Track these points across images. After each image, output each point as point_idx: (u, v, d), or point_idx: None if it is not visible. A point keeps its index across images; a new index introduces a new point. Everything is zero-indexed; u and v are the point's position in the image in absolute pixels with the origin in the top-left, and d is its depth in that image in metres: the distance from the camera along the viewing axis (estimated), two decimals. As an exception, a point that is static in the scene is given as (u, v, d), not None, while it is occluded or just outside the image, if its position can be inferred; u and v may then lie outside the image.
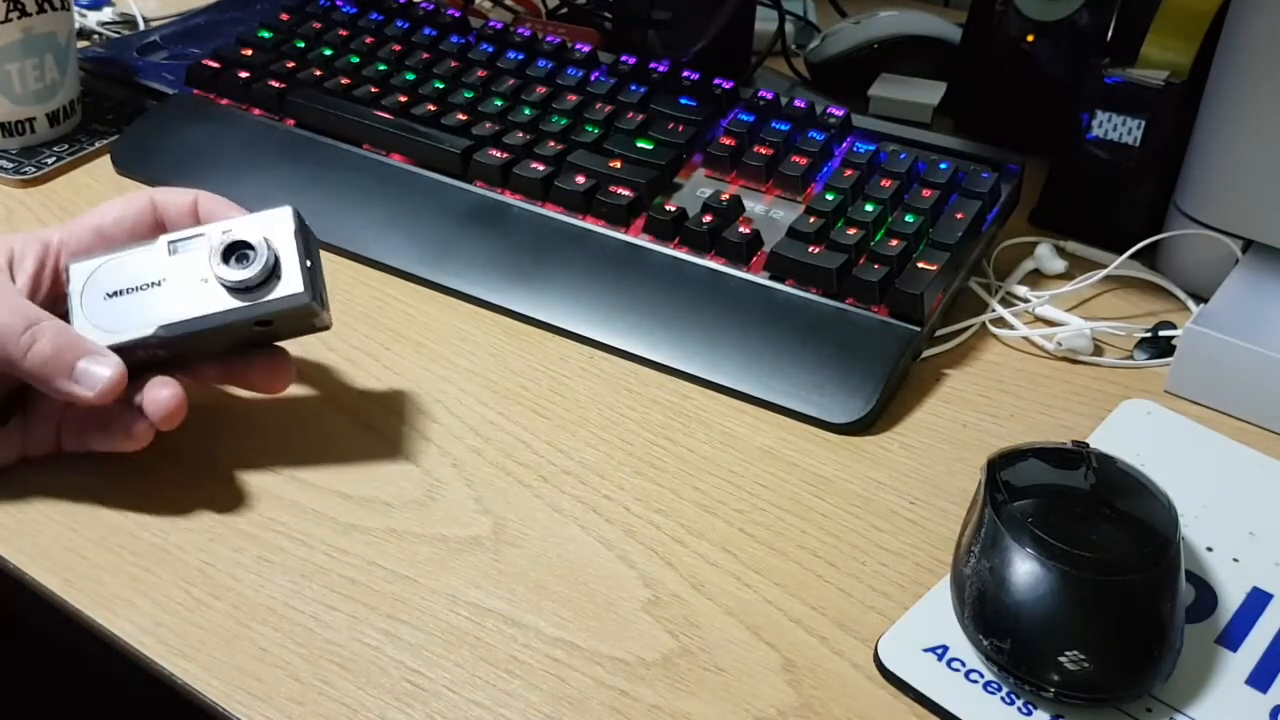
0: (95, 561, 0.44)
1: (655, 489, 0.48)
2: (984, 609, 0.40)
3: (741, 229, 0.58)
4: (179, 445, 0.50)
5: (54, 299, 0.47)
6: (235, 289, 0.45)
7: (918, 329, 0.54)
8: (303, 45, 0.72)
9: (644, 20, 0.78)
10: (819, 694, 0.40)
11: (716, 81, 0.66)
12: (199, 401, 0.51)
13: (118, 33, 0.84)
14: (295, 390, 0.53)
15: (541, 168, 0.62)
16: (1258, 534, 0.46)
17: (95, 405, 0.44)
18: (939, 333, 0.57)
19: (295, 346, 0.55)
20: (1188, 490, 0.46)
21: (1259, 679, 0.41)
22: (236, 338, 0.46)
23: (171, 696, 0.40)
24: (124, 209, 0.48)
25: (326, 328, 0.49)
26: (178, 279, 0.45)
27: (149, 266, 0.46)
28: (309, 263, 0.46)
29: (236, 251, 0.45)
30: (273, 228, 0.46)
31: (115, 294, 0.45)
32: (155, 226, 0.48)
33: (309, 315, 0.46)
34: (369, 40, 0.72)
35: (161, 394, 0.45)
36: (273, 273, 0.45)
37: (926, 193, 0.59)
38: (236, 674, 0.40)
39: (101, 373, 0.44)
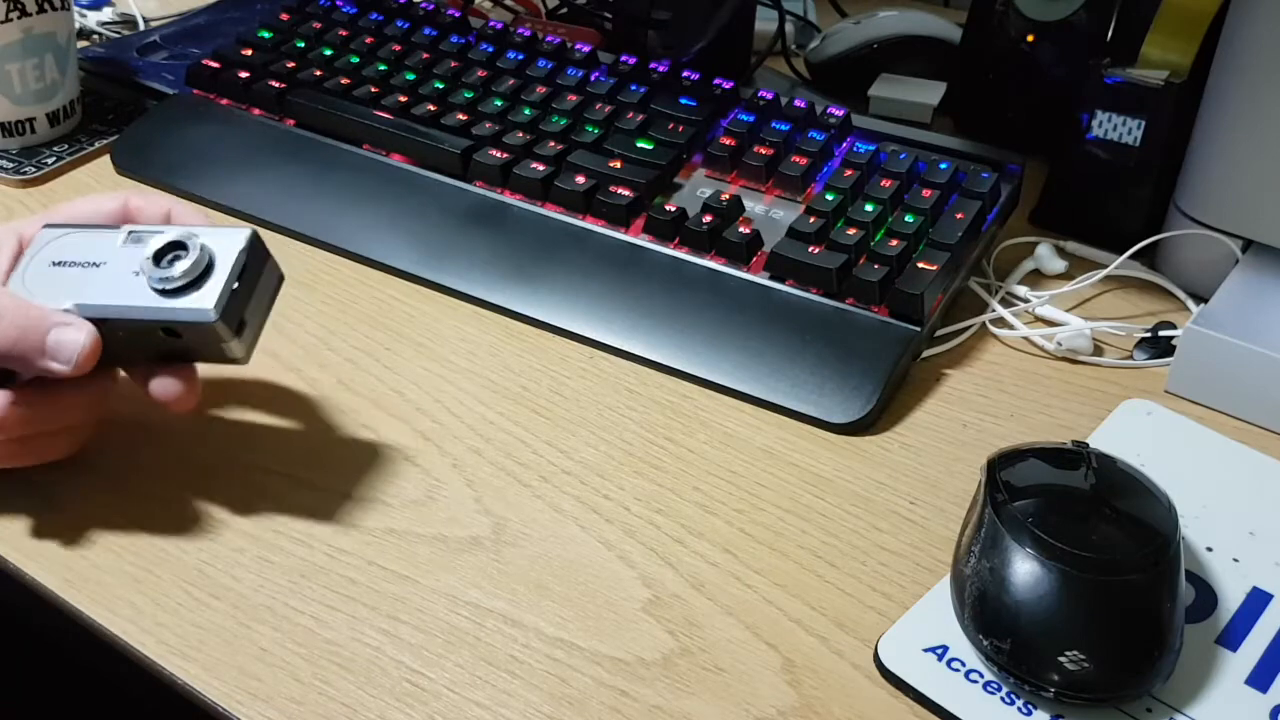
0: (95, 562, 0.44)
1: (655, 489, 0.48)
2: (984, 609, 0.40)
3: (741, 229, 0.58)
4: (178, 445, 0.50)
5: None
6: (155, 289, 0.43)
7: (918, 329, 0.54)
8: (303, 45, 0.72)
9: (644, 20, 0.78)
10: (819, 694, 0.40)
11: (716, 81, 0.66)
12: (199, 402, 0.52)
13: (118, 33, 0.84)
14: (296, 391, 0.53)
15: (541, 168, 0.62)
16: (1258, 534, 0.46)
17: (75, 377, 0.43)
18: (939, 333, 0.57)
19: (296, 347, 0.55)
20: (1188, 490, 0.46)
21: (1259, 679, 0.41)
22: (148, 341, 0.44)
23: (171, 696, 0.40)
24: (97, 207, 0.48)
25: (238, 361, 0.45)
26: (116, 266, 0.44)
27: (100, 248, 0.45)
28: (237, 286, 0.43)
29: (171, 252, 0.44)
30: (222, 242, 0.44)
31: (59, 264, 0.45)
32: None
33: (215, 338, 0.44)
34: (369, 40, 0.72)
35: None
36: (194, 283, 0.43)
37: (926, 193, 0.59)
38: (236, 674, 0.40)
39: (75, 339, 0.43)
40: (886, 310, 0.55)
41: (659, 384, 0.54)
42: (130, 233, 0.45)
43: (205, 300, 0.43)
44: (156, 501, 0.47)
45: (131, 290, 0.44)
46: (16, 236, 0.47)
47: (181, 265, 0.43)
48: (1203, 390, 0.54)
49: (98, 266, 0.44)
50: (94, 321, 0.43)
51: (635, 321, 0.56)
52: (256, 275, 0.45)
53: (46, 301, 0.44)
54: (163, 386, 0.45)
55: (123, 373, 0.46)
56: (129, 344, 0.45)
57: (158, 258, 0.44)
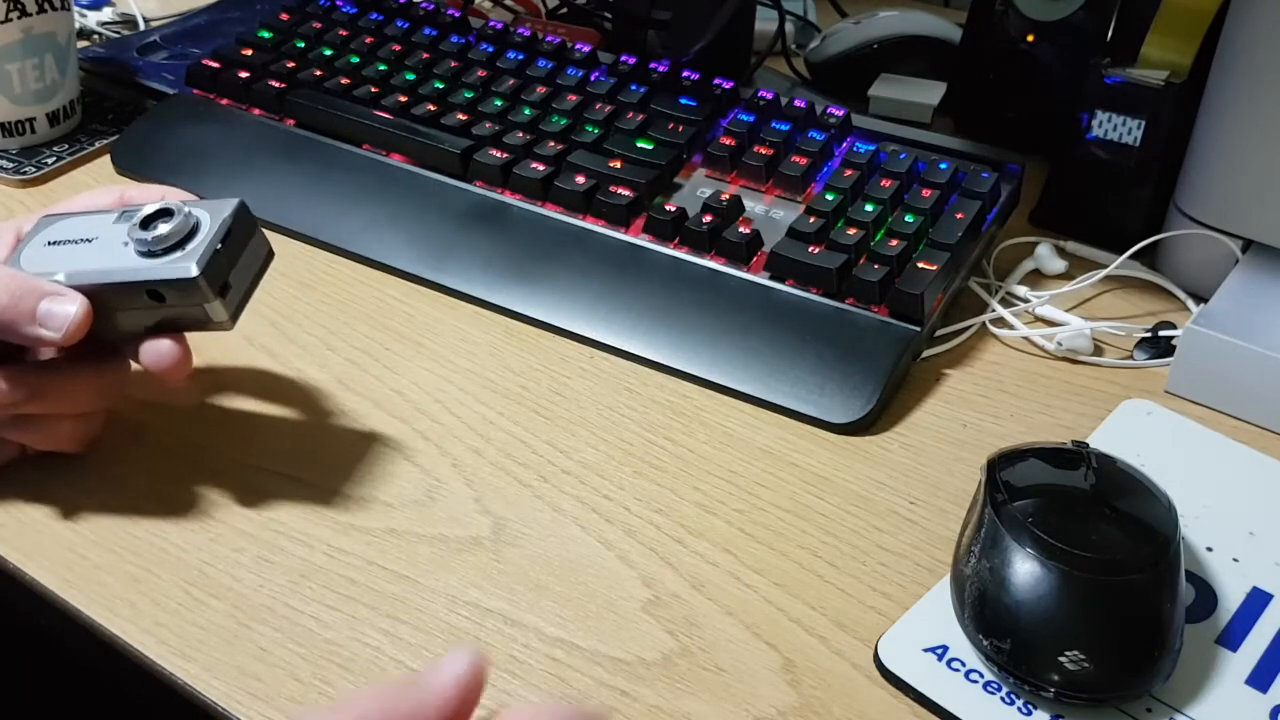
0: (95, 562, 0.44)
1: (655, 489, 0.48)
2: (984, 609, 0.40)
3: (741, 229, 0.58)
4: (180, 445, 0.50)
5: None
6: (140, 252, 0.44)
7: (918, 329, 0.54)
8: (303, 45, 0.72)
9: (644, 20, 0.78)
10: (819, 694, 0.40)
11: (716, 81, 0.66)
12: (197, 402, 0.52)
13: (118, 33, 0.84)
14: (296, 391, 0.53)
15: (541, 168, 0.62)
16: (1258, 534, 0.46)
17: (65, 346, 0.43)
18: (939, 333, 0.57)
19: (296, 347, 0.55)
20: (1188, 490, 0.46)
21: (1259, 679, 0.41)
22: (137, 310, 0.44)
23: (171, 696, 0.40)
24: (94, 201, 0.48)
25: (222, 326, 0.45)
26: (106, 239, 0.45)
27: (93, 226, 0.46)
28: (220, 247, 0.44)
29: (158, 218, 0.44)
30: (209, 209, 0.45)
31: (54, 243, 0.45)
32: None
33: (198, 298, 0.43)
34: (369, 40, 0.72)
35: None
36: (178, 244, 0.44)
37: (926, 193, 0.59)
38: (236, 674, 0.40)
39: (66, 310, 0.43)
40: (886, 310, 0.55)
41: (659, 384, 0.54)
42: (123, 212, 0.46)
43: (188, 258, 0.43)
44: (156, 501, 0.47)
45: (118, 257, 0.44)
46: (15, 230, 0.47)
47: (166, 227, 0.43)
48: (1203, 390, 0.54)
49: (90, 241, 0.45)
50: (83, 291, 0.44)
51: (635, 321, 0.56)
52: (243, 243, 0.45)
53: (36, 274, 0.44)
54: (154, 353, 0.44)
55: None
56: (119, 314, 0.45)
57: (145, 223, 0.44)
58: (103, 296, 0.44)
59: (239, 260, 0.45)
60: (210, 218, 0.44)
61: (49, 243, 0.45)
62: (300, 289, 0.59)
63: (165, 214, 0.44)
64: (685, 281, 0.57)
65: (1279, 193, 0.56)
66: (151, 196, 0.48)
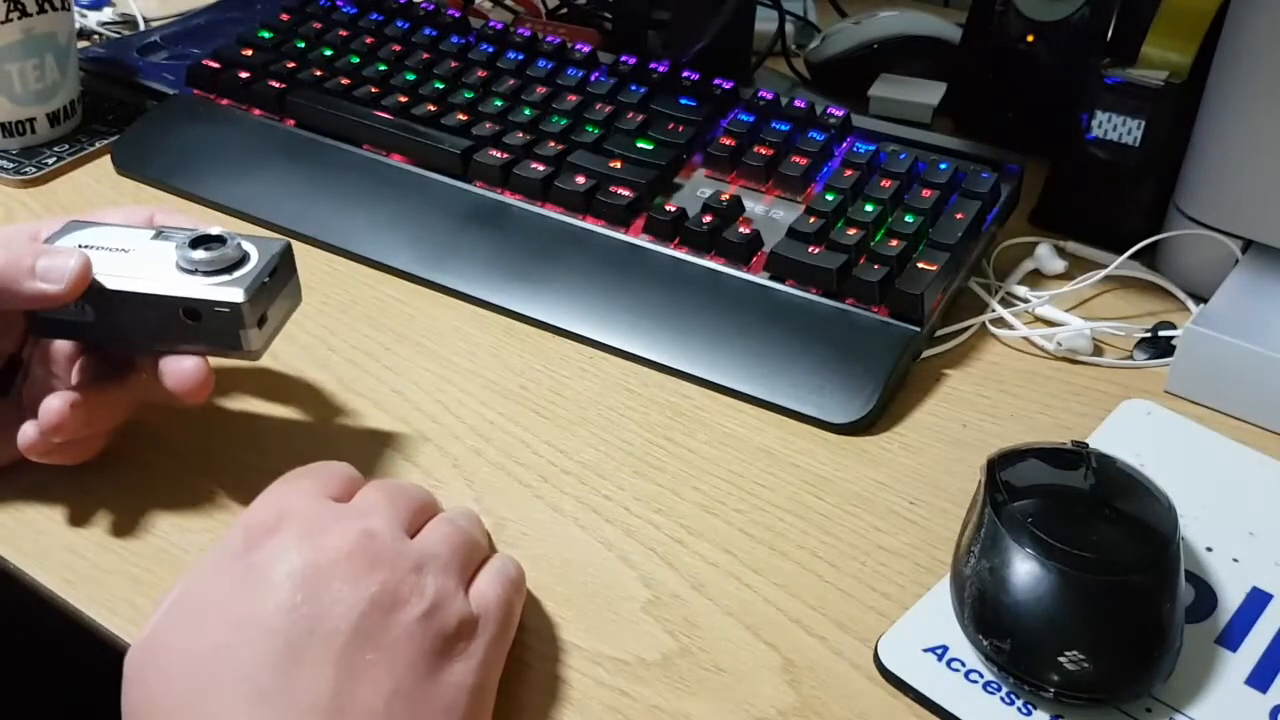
0: (95, 561, 0.44)
1: (655, 489, 0.48)
2: (984, 609, 0.40)
3: (741, 229, 0.58)
4: (179, 445, 0.50)
5: None
6: (185, 269, 0.44)
7: (918, 329, 0.54)
8: (303, 45, 0.72)
9: (644, 20, 0.78)
10: (819, 694, 0.40)
11: (716, 81, 0.66)
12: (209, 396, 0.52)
13: (118, 33, 0.84)
14: (297, 391, 0.53)
15: (541, 168, 0.62)
16: (1257, 534, 0.46)
17: (67, 300, 0.43)
18: (939, 333, 0.57)
19: (296, 347, 0.55)
20: (1187, 490, 0.46)
21: (1258, 679, 0.41)
22: (167, 326, 0.45)
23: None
24: (125, 217, 0.48)
25: (252, 355, 0.45)
26: (143, 253, 0.45)
27: (128, 239, 0.46)
28: (267, 280, 0.45)
29: (208, 241, 0.45)
30: (257, 245, 0.46)
31: (86, 246, 0.46)
32: None
33: (237, 324, 0.44)
34: (369, 40, 0.72)
35: (53, 403, 0.43)
36: (226, 269, 0.44)
37: (926, 193, 0.59)
38: (237, 674, 0.40)
39: (65, 263, 0.43)
40: (886, 310, 0.55)
41: (659, 384, 0.54)
42: (160, 231, 0.47)
43: (236, 284, 0.44)
44: (157, 501, 0.47)
45: (160, 271, 0.45)
46: (30, 233, 0.47)
47: (217, 252, 0.45)
48: (1202, 390, 0.54)
49: (125, 252, 0.46)
50: (119, 296, 0.44)
51: (635, 321, 0.56)
52: (283, 282, 0.46)
53: None
54: (177, 371, 0.44)
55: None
56: (148, 327, 0.45)
57: (194, 244, 0.45)
58: (138, 306, 0.44)
59: (278, 297, 0.46)
60: (259, 252, 0.46)
61: (80, 245, 0.46)
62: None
63: (217, 239, 0.45)
64: (685, 282, 0.57)
65: (1278, 193, 0.56)
66: (182, 224, 0.49)
